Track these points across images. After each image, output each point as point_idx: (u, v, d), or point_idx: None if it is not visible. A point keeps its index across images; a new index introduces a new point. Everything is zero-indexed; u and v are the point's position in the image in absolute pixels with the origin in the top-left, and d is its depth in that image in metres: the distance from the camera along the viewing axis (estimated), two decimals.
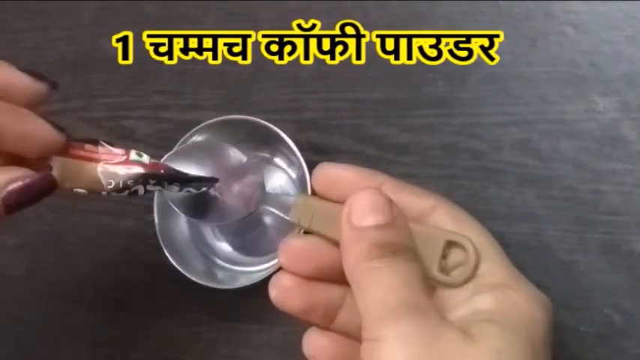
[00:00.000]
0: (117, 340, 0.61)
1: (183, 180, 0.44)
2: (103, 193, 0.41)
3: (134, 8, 0.64)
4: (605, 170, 0.51)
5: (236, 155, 0.46)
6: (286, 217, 0.43)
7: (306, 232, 0.42)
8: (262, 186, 0.45)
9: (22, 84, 0.39)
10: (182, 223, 0.59)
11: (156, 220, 0.56)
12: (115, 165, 0.41)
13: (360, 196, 0.38)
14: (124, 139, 0.61)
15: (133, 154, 0.42)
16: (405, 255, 0.37)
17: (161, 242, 0.56)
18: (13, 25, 0.68)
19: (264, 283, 0.52)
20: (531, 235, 0.52)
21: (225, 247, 0.60)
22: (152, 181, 0.42)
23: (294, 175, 0.58)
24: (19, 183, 0.38)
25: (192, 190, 0.45)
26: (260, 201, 0.44)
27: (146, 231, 0.59)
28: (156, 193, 0.56)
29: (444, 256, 0.38)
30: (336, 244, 0.40)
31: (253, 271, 0.58)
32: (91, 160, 0.41)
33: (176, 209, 0.46)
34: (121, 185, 0.41)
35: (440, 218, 0.40)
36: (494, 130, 0.54)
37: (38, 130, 0.39)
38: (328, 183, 0.42)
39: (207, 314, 0.59)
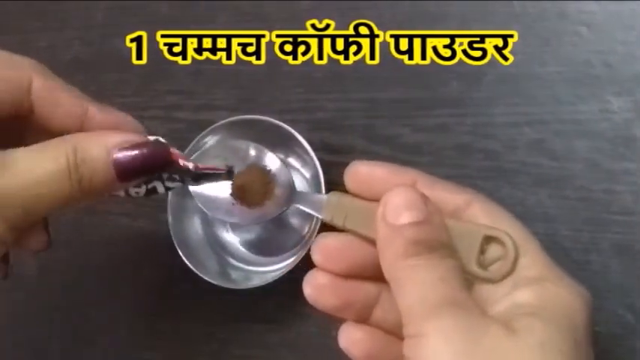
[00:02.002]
0: (130, 340, 0.62)
1: (195, 175, 0.44)
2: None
3: (148, 8, 0.66)
4: (619, 170, 0.53)
5: (265, 155, 0.47)
6: (318, 216, 0.43)
7: (327, 230, 0.43)
8: (292, 185, 0.46)
9: (132, 122, 0.44)
10: (196, 223, 0.60)
11: (169, 221, 0.57)
12: None
13: (395, 194, 0.38)
14: None
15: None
16: (442, 251, 0.37)
17: (175, 242, 0.57)
18: (27, 25, 0.69)
19: (278, 283, 0.54)
20: (545, 235, 0.53)
21: (239, 247, 0.61)
22: (165, 175, 0.42)
23: (307, 175, 0.59)
24: (132, 143, 0.40)
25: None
26: (291, 200, 0.45)
27: (160, 231, 0.60)
28: (170, 195, 0.57)
29: (482, 252, 0.39)
30: (370, 241, 0.40)
31: (267, 271, 0.59)
32: None
33: (205, 210, 0.46)
34: None
35: (475, 213, 0.40)
36: (508, 130, 0.55)
37: (123, 120, 0.43)
38: (361, 181, 0.42)
39: (220, 314, 0.60)
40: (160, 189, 0.43)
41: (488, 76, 0.56)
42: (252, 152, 0.47)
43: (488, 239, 0.39)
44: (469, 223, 0.40)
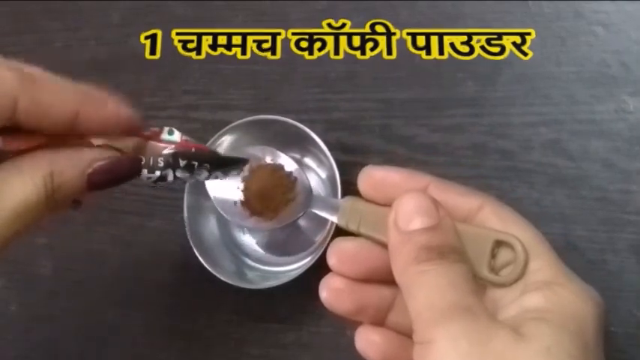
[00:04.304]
0: (145, 340, 0.63)
1: (214, 161, 0.44)
2: None
3: (164, 9, 0.67)
4: (635, 170, 0.54)
5: (283, 160, 0.48)
6: (334, 220, 0.45)
7: (345, 234, 0.44)
8: (309, 189, 0.47)
9: (127, 115, 0.41)
10: (212, 223, 0.62)
11: (186, 221, 0.59)
12: (147, 141, 0.42)
13: (406, 200, 0.39)
14: None
15: (165, 133, 0.43)
16: (453, 257, 0.38)
17: (191, 242, 0.58)
18: (43, 24, 0.71)
19: (294, 283, 0.55)
20: (561, 235, 0.55)
21: (255, 247, 0.63)
22: (182, 162, 0.43)
23: (323, 175, 0.60)
24: (107, 161, 0.39)
25: (220, 177, 0.46)
26: (307, 204, 0.46)
27: (175, 231, 0.61)
28: (185, 195, 0.59)
29: (493, 256, 0.40)
30: (384, 246, 0.41)
31: (283, 271, 0.61)
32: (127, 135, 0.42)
33: (223, 214, 0.48)
34: (151, 163, 0.42)
35: (487, 217, 0.41)
36: (524, 130, 0.57)
37: (116, 112, 0.40)
38: (374, 186, 0.43)
39: (236, 314, 0.61)
40: (170, 177, 0.43)
41: (503, 76, 0.58)
42: (269, 157, 0.48)
43: (499, 243, 0.40)
44: (480, 227, 0.41)
